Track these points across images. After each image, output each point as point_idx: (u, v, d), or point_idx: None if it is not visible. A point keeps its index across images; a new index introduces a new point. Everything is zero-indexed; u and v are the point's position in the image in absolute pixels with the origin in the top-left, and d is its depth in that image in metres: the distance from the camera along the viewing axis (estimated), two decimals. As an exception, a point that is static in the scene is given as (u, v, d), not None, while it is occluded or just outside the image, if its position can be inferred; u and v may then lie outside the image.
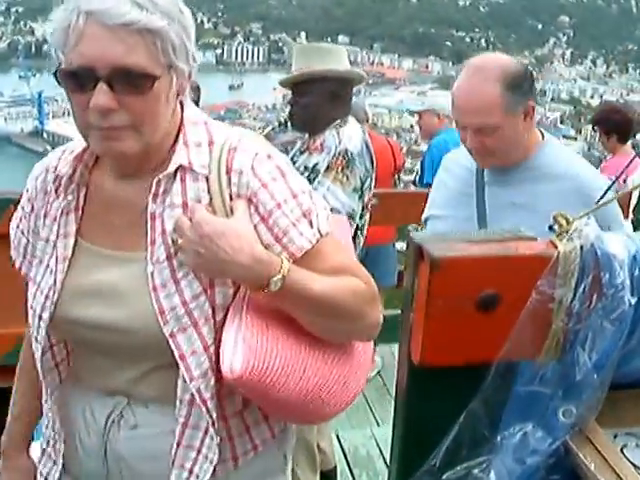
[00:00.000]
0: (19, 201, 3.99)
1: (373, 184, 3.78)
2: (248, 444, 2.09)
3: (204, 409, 1.93)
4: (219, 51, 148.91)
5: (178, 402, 1.96)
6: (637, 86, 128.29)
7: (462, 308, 1.55)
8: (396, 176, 6.90)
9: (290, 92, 3.85)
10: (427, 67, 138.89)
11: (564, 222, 1.55)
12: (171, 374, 1.94)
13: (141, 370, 2.01)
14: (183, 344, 1.90)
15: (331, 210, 3.50)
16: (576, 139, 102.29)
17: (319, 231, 1.96)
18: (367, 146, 3.71)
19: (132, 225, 1.96)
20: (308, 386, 1.92)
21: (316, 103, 3.70)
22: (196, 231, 1.79)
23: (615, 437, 1.60)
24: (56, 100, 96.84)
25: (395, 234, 6.54)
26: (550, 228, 1.58)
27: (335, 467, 4.25)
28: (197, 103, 6.13)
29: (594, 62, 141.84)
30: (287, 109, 3.91)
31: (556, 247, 1.53)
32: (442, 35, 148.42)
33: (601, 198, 2.65)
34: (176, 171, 1.91)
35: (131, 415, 2.05)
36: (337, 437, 4.66)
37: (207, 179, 1.91)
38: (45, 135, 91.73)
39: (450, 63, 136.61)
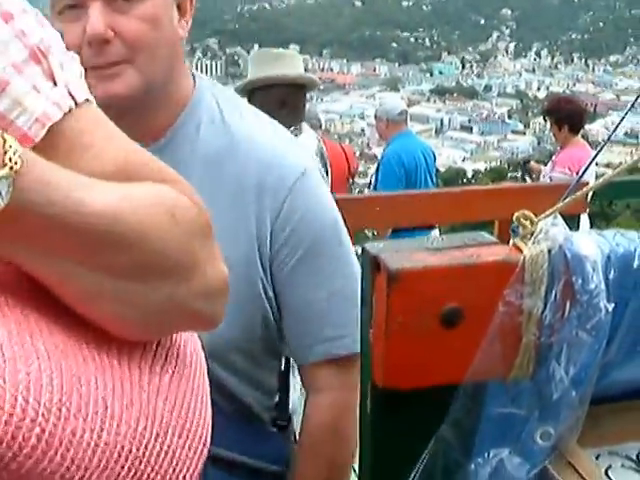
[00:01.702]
0: None
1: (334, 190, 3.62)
2: None
3: None
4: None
5: None
6: (583, 76, 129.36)
7: (425, 324, 1.38)
8: (350, 180, 6.75)
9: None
10: (374, 70, 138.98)
11: (527, 223, 1.38)
12: None
13: None
14: None
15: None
16: (525, 133, 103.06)
17: (71, 94, 1.01)
18: (322, 155, 3.57)
19: None
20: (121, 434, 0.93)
21: (265, 111, 3.52)
22: None
23: (597, 457, 1.44)
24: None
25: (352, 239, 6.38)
26: (513, 231, 1.42)
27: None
28: None
29: (538, 54, 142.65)
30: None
31: (521, 251, 1.36)
32: (387, 37, 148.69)
33: (568, 195, 2.24)
34: None
35: None
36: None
37: None
38: None
39: (397, 64, 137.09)
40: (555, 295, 1.34)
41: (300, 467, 2.05)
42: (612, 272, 1.36)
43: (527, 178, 7.83)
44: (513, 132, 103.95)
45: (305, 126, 3.61)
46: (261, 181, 1.79)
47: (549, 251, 1.33)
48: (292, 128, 3.51)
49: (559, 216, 1.39)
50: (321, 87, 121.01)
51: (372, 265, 1.42)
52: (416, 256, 1.38)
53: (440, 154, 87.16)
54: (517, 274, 1.33)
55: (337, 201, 4.27)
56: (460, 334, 1.36)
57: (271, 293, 1.92)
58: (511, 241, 1.40)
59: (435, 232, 6.20)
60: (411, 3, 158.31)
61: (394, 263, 1.36)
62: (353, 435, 1.78)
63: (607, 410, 1.47)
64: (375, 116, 6.82)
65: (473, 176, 71.17)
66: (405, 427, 1.47)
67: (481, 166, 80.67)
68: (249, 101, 3.60)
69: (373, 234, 9.74)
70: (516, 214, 1.38)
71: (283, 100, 3.54)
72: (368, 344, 1.48)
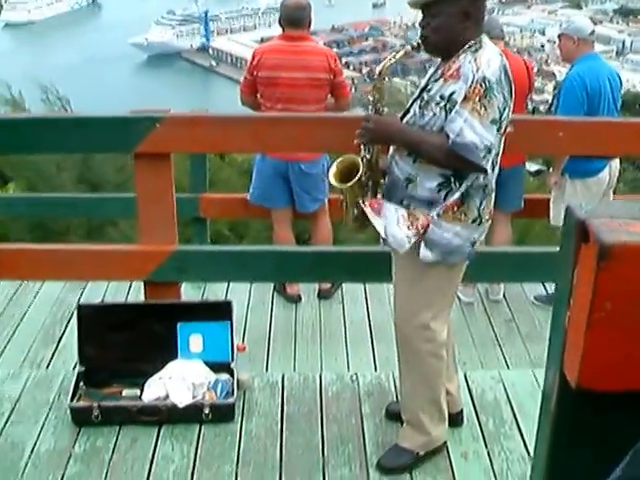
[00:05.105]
0: (164, 120, 3.90)
1: (514, 108, 3.13)
2: None
3: None
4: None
5: None
6: None
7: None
8: (529, 98, 6.13)
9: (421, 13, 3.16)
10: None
11: None
12: None
13: None
14: None
15: (467, 143, 2.83)
16: None
17: None
18: (506, 72, 3.03)
19: None
20: None
21: (448, 25, 3.03)
22: None
23: None
24: (220, 19, 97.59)
25: (524, 158, 5.84)
26: None
27: (462, 410, 3.73)
28: (310, 22, 5.46)
29: None
30: (419, 32, 3.24)
31: None
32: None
33: None
34: None
35: None
36: (465, 377, 4.09)
37: None
38: (211, 51, 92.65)
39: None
40: None
41: None
42: None
43: None
44: None
45: (486, 39, 3.08)
46: None
47: None
48: (473, 42, 3.03)
49: None
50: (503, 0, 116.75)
51: (578, 232, 1.01)
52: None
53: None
54: None
55: (517, 122, 3.82)
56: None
57: None
58: None
59: (615, 162, 5.60)
60: None
61: (609, 235, 0.96)
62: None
63: None
64: (561, 34, 6.09)
65: (652, 102, 67.57)
66: (596, 436, 1.12)
67: (661, 92, 76.50)
68: (423, 11, 3.12)
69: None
70: None
71: (467, 12, 3.01)
72: (561, 329, 1.07)
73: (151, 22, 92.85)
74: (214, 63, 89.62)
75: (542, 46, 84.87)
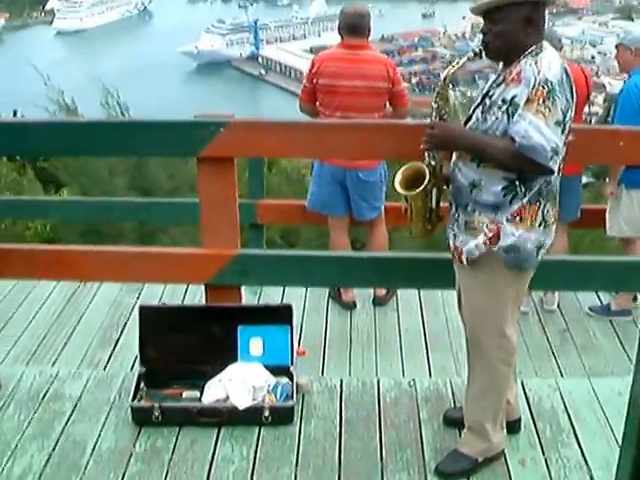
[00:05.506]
0: (228, 125, 3.95)
1: (573, 116, 3.10)
2: None
3: None
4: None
5: None
6: None
7: None
8: (586, 108, 6.07)
9: (482, 20, 3.16)
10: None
11: None
12: None
13: None
14: None
15: (534, 145, 2.84)
16: None
17: None
18: (567, 74, 3.03)
19: None
20: None
21: (510, 31, 3.04)
22: None
23: None
24: (269, 28, 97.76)
25: (582, 168, 5.80)
26: None
27: (520, 418, 3.70)
28: (369, 31, 5.48)
29: None
30: (477, 38, 3.24)
31: None
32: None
33: None
34: None
35: None
36: (522, 385, 4.05)
37: None
38: (260, 60, 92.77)
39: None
40: None
41: None
42: None
43: None
44: None
45: (546, 44, 3.10)
46: None
47: None
48: (534, 47, 3.05)
49: None
50: (554, 10, 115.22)
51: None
52: None
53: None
54: None
55: (577, 131, 3.80)
56: None
57: None
58: None
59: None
60: None
61: None
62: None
63: None
64: (618, 45, 6.03)
65: None
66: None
67: None
68: (485, 17, 3.12)
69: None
70: None
71: (529, 18, 3.04)
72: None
73: (201, 31, 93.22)
74: (263, 72, 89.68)
75: (593, 57, 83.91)
